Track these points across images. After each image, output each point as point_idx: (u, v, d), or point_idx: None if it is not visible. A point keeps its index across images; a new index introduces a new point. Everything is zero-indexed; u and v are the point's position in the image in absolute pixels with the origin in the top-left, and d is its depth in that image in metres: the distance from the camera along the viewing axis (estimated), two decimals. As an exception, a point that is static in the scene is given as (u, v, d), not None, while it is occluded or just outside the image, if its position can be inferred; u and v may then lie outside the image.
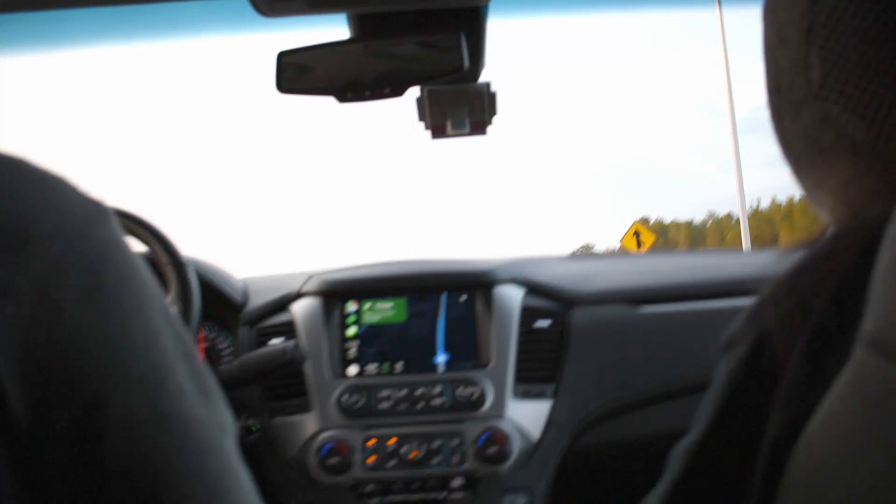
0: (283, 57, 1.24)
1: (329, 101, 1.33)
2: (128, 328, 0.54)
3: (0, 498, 0.47)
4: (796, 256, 0.51)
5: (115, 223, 0.57)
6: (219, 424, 0.61)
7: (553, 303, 1.48)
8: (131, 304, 0.55)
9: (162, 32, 1.44)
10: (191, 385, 0.59)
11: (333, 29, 1.35)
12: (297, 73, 1.28)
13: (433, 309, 1.47)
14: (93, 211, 0.55)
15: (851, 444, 0.40)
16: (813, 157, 0.53)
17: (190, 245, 1.41)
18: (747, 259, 1.70)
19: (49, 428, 0.49)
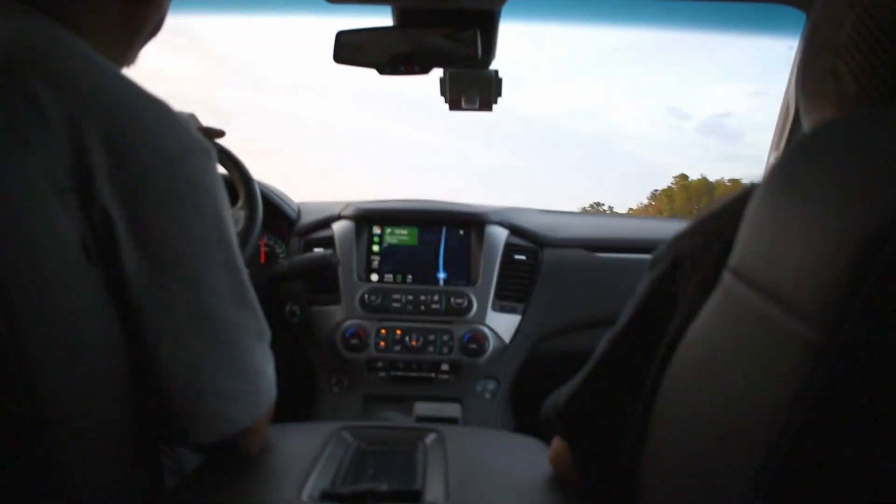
0: (340, 35, 1.46)
1: (372, 73, 1.53)
2: (186, 234, 0.65)
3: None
4: (717, 202, 0.59)
5: (212, 158, 0.69)
6: (247, 327, 0.70)
7: (529, 243, 1.76)
8: (198, 219, 0.66)
9: (253, 7, 1.73)
10: (228, 290, 0.68)
11: (380, 17, 1.55)
12: (349, 49, 1.48)
13: (438, 237, 1.75)
14: (196, 144, 0.67)
15: (712, 346, 0.47)
16: (814, 95, 0.55)
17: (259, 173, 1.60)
18: (681, 225, 1.92)
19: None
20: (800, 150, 0.42)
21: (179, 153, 0.65)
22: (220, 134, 1.32)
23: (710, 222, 0.58)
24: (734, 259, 0.44)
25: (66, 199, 0.57)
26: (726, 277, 0.45)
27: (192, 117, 1.23)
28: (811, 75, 0.55)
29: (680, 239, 0.61)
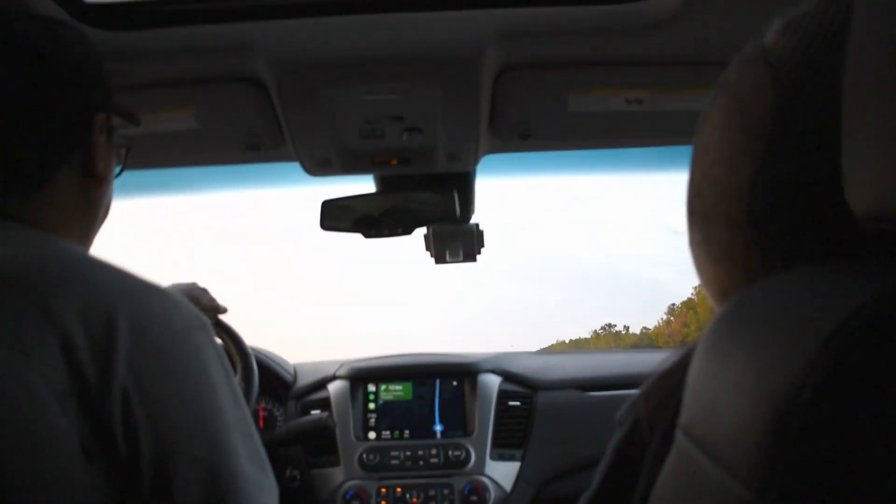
0: (325, 204, 1.56)
1: (356, 237, 1.61)
2: (200, 399, 0.69)
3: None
4: (670, 358, 0.57)
5: (210, 331, 0.74)
6: (259, 483, 0.72)
7: (522, 388, 1.79)
8: (206, 390, 0.70)
9: (242, 183, 1.83)
10: (246, 455, 0.71)
11: (362, 184, 1.66)
12: (334, 216, 1.56)
13: (432, 391, 1.78)
14: (195, 320, 0.73)
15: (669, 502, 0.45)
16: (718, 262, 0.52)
17: (252, 333, 1.62)
18: (665, 356, 1.96)
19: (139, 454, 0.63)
20: (730, 310, 0.43)
21: (184, 328, 0.70)
22: (224, 310, 1.39)
23: (663, 382, 0.58)
24: (683, 417, 0.44)
25: (65, 403, 0.60)
26: (678, 436, 0.45)
27: (205, 292, 1.31)
28: (709, 241, 0.51)
29: (637, 400, 0.61)
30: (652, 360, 1.87)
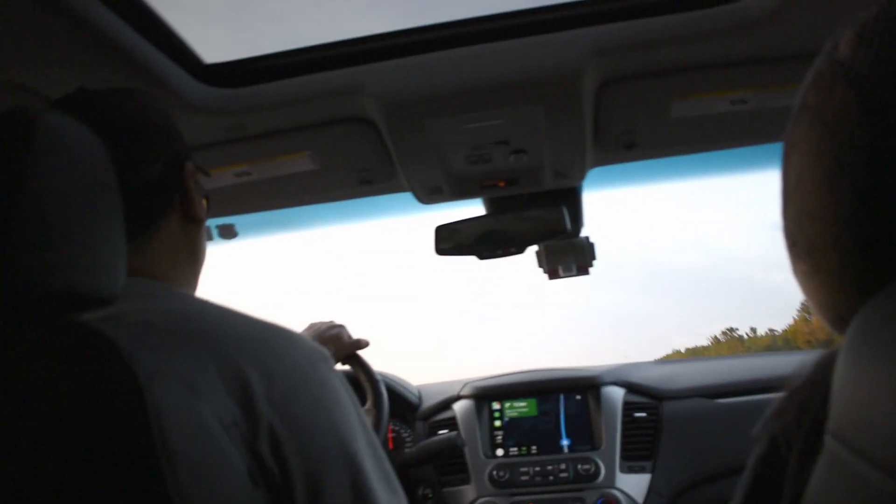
0: (440, 230, 1.62)
1: (471, 259, 1.66)
2: (336, 426, 0.72)
3: None
4: (801, 372, 0.54)
5: (331, 361, 0.77)
6: (391, 502, 0.74)
7: (647, 398, 1.77)
8: (339, 411, 0.73)
9: (358, 215, 1.89)
10: (378, 476, 0.74)
11: (471, 207, 1.71)
12: (449, 241, 1.62)
13: (556, 406, 1.79)
14: (318, 354, 0.75)
15: None
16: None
17: (378, 358, 1.77)
18: (793, 359, 1.79)
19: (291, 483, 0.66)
20: (875, 312, 0.42)
21: (310, 363, 0.74)
22: (366, 344, 1.45)
23: (797, 395, 0.56)
24: (832, 423, 0.43)
25: (231, 433, 0.64)
26: (828, 442, 0.43)
27: (343, 328, 1.38)
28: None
29: (771, 418, 0.59)
30: (778, 364, 1.89)
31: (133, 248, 0.78)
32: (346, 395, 0.76)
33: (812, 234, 0.47)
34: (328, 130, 1.30)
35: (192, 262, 0.88)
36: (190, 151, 0.89)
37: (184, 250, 0.86)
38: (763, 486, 0.58)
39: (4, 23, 0.91)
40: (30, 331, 0.59)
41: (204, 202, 0.91)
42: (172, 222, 0.84)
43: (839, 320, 0.50)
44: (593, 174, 1.51)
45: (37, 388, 0.57)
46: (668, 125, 1.32)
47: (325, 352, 0.78)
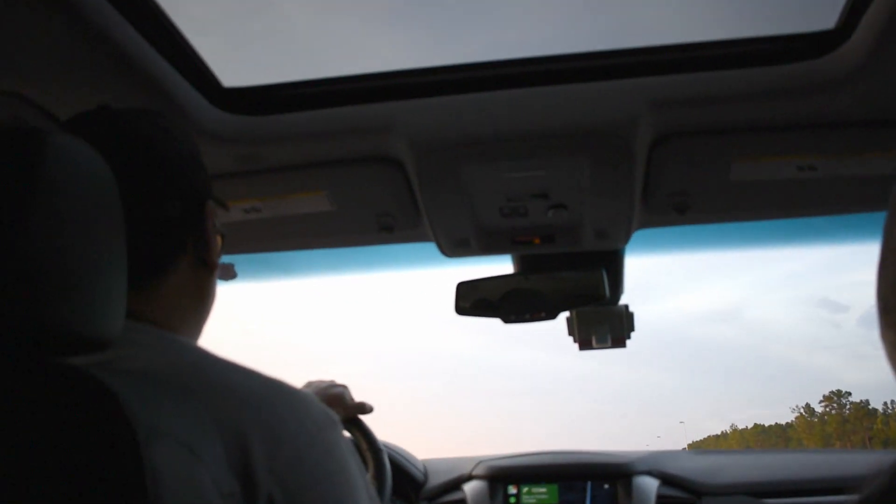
0: (460, 286, 1.52)
1: (494, 321, 1.56)
2: (342, 499, 0.69)
3: None
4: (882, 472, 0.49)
5: (339, 427, 0.74)
6: None
7: (685, 493, 1.62)
8: (345, 483, 0.71)
9: (380, 265, 1.80)
10: None
11: (500, 265, 1.63)
12: (470, 299, 1.53)
13: (582, 495, 1.64)
14: (326, 419, 0.72)
15: None
16: None
17: (379, 427, 1.67)
18: (851, 458, 1.78)
19: None
20: None
21: (316, 429, 0.69)
22: (370, 409, 1.34)
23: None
24: None
25: (228, 503, 0.60)
26: None
27: (346, 389, 1.28)
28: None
29: None
30: (833, 461, 1.73)
31: (138, 290, 0.73)
32: (353, 465, 0.73)
33: None
34: (350, 169, 1.22)
35: (200, 310, 0.83)
36: (211, 188, 0.84)
37: (193, 297, 0.81)
38: None
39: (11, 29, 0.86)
40: (20, 372, 0.56)
41: (219, 240, 0.85)
42: (184, 266, 0.79)
43: None
44: (638, 236, 1.40)
45: (27, 435, 0.54)
46: (726, 188, 1.23)
47: (335, 416, 0.74)
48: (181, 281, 0.78)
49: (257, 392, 0.68)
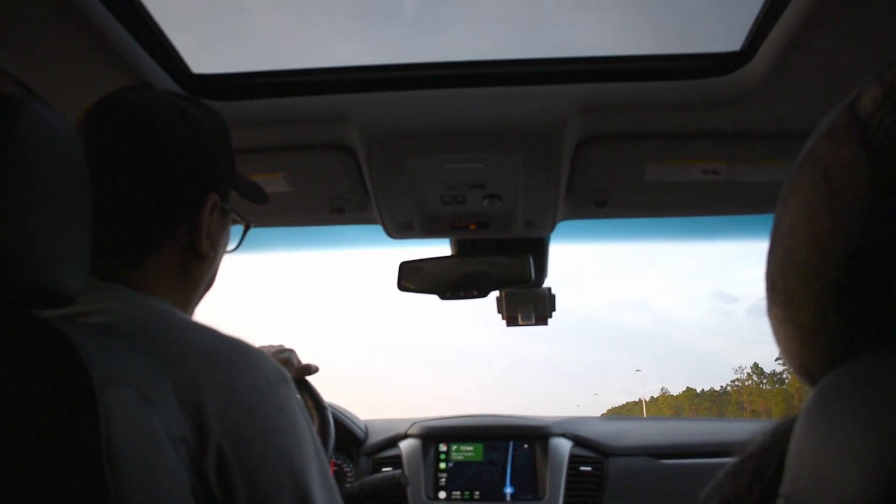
0: (403, 266, 1.62)
1: (432, 298, 1.66)
2: (289, 453, 0.71)
3: None
4: (763, 433, 0.53)
5: (291, 384, 0.76)
6: None
7: (594, 453, 1.77)
8: (294, 437, 0.73)
9: (329, 244, 1.88)
10: (326, 494, 0.74)
11: (439, 246, 1.72)
12: (411, 278, 1.63)
13: (503, 453, 1.78)
14: (278, 375, 0.74)
15: None
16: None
17: (327, 390, 1.71)
18: (739, 426, 1.95)
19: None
20: (836, 381, 0.42)
21: (268, 385, 0.72)
22: (315, 370, 1.40)
23: (750, 462, 0.55)
24: (786, 486, 0.42)
25: (179, 448, 0.63)
26: None
27: (293, 353, 1.33)
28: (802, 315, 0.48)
29: (724, 481, 0.57)
30: (726, 428, 1.91)
31: (126, 263, 0.77)
32: (302, 420, 0.74)
33: (793, 285, 0.46)
34: (306, 154, 1.29)
35: (186, 290, 0.84)
36: (223, 183, 0.85)
37: (179, 279, 0.82)
38: None
39: None
40: None
41: (244, 228, 0.88)
42: (172, 252, 0.81)
43: (804, 371, 0.50)
44: (562, 227, 1.52)
45: None
46: (641, 187, 1.34)
47: (287, 373, 0.76)
48: (165, 263, 0.80)
49: (214, 348, 0.71)
